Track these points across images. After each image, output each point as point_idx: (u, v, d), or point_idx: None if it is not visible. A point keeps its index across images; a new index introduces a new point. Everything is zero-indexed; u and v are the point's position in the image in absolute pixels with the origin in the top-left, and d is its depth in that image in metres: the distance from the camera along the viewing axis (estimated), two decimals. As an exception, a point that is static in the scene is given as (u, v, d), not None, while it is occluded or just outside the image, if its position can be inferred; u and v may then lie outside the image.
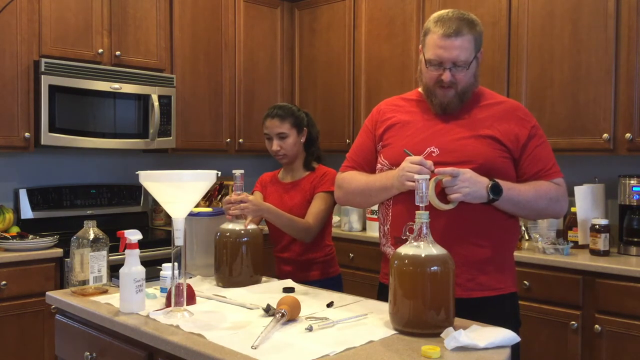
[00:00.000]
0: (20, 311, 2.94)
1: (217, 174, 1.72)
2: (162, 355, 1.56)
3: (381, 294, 1.96)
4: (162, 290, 1.94)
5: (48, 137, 3.21)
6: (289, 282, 2.14)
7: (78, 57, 3.37)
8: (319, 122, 2.78)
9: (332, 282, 2.46)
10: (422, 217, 1.51)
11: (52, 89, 3.21)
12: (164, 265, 1.98)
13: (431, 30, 1.84)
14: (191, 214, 2.15)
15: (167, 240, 2.19)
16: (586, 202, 3.04)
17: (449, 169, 1.71)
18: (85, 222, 1.98)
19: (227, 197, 2.19)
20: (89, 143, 3.38)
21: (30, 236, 3.16)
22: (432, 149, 1.83)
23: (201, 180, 1.70)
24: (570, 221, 3.08)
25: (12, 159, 3.52)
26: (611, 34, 2.91)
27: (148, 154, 4.01)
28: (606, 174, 3.21)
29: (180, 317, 1.66)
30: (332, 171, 2.47)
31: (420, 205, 1.52)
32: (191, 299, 1.81)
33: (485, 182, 1.74)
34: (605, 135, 2.93)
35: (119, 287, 1.79)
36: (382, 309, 1.70)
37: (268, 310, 1.68)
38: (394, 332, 1.53)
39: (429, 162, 1.72)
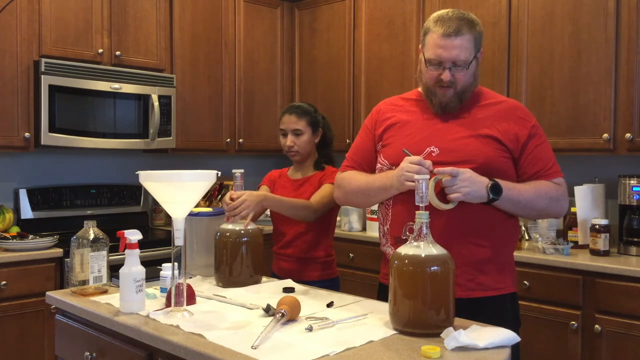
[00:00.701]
0: (20, 311, 2.94)
1: (217, 174, 1.72)
2: (162, 355, 1.55)
3: (381, 294, 1.96)
4: (162, 290, 1.94)
5: (48, 137, 3.22)
6: (289, 282, 2.14)
7: (78, 57, 3.38)
8: (319, 122, 2.78)
9: (330, 284, 2.46)
10: (422, 217, 1.51)
11: (52, 89, 3.21)
12: (164, 265, 1.99)
13: (431, 29, 1.84)
14: (191, 214, 2.15)
15: (167, 240, 2.19)
16: (586, 202, 3.04)
17: (448, 169, 1.71)
18: (85, 222, 1.98)
19: (227, 195, 2.19)
20: (89, 143, 3.38)
21: (30, 236, 3.16)
22: (431, 149, 1.83)
23: (201, 180, 1.70)
24: (570, 221, 3.08)
25: (12, 159, 3.52)
26: (611, 34, 2.91)
27: (148, 154, 4.01)
28: (606, 174, 3.21)
29: (180, 317, 1.66)
30: None
31: (420, 205, 1.52)
32: (191, 299, 1.81)
33: (485, 181, 1.74)
34: (605, 135, 2.93)
35: (119, 287, 1.79)
36: (382, 309, 1.70)
37: (268, 310, 1.68)
38: (394, 332, 1.53)
39: (428, 162, 1.72)
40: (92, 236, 1.94)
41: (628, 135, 2.87)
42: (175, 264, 1.69)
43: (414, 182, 1.59)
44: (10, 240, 3.03)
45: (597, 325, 2.67)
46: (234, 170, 2.17)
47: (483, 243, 1.81)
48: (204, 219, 2.23)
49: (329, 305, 1.80)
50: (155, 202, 3.98)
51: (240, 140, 4.19)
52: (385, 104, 2.04)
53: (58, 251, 3.06)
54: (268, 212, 2.56)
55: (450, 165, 1.73)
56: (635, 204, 2.89)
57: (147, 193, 3.96)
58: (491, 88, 2.07)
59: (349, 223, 3.82)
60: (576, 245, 3.01)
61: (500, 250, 1.86)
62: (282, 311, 1.59)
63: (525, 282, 2.86)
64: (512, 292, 1.90)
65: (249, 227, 2.12)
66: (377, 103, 2.09)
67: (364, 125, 2.06)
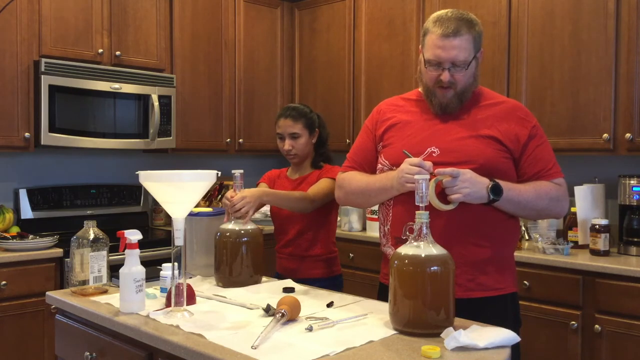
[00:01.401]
0: (20, 311, 2.94)
1: (217, 174, 1.72)
2: (162, 355, 1.56)
3: (381, 294, 1.96)
4: (162, 290, 1.94)
5: (48, 137, 3.21)
6: (289, 282, 2.14)
7: (78, 57, 3.38)
8: (319, 122, 2.78)
9: (333, 281, 2.48)
10: (422, 217, 1.51)
11: (52, 89, 3.21)
12: (164, 265, 1.99)
13: (430, 30, 1.84)
14: (191, 214, 2.15)
15: (167, 240, 2.19)
16: (586, 202, 3.04)
17: (448, 170, 1.71)
18: (85, 222, 1.98)
19: (226, 195, 2.19)
20: (89, 143, 3.38)
21: (30, 236, 3.16)
22: (432, 149, 1.83)
23: (201, 180, 1.70)
24: (570, 221, 3.08)
25: (12, 159, 3.52)
26: (611, 34, 2.91)
27: (148, 154, 4.01)
28: (606, 174, 3.21)
29: (180, 317, 1.66)
30: (339, 167, 2.49)
31: (420, 205, 1.52)
32: (191, 299, 1.81)
33: (485, 182, 1.74)
34: (605, 135, 2.93)
35: (119, 287, 1.79)
36: (382, 309, 1.70)
37: (268, 310, 1.68)
38: (394, 332, 1.53)
39: (428, 164, 1.72)
40: (92, 236, 1.94)
41: (628, 135, 2.87)
42: (175, 264, 1.69)
43: (414, 183, 1.59)
44: (10, 240, 3.03)
45: (597, 325, 2.67)
46: (233, 171, 2.17)
47: (483, 243, 1.81)
48: (204, 219, 2.23)
49: (329, 305, 1.80)
50: (155, 202, 3.98)
51: (240, 140, 4.19)
52: (385, 104, 2.04)
53: (58, 251, 3.06)
54: (268, 212, 2.57)
55: (451, 165, 1.73)
56: (635, 204, 2.89)
57: (147, 193, 3.96)
58: (491, 88, 2.06)
59: (349, 223, 3.82)
60: (576, 245, 3.01)
61: (500, 250, 1.86)
62: (282, 311, 1.59)
63: (525, 282, 2.86)
64: (513, 292, 1.90)
65: (249, 227, 2.12)
66: (377, 103, 2.09)
67: (365, 125, 2.06)
